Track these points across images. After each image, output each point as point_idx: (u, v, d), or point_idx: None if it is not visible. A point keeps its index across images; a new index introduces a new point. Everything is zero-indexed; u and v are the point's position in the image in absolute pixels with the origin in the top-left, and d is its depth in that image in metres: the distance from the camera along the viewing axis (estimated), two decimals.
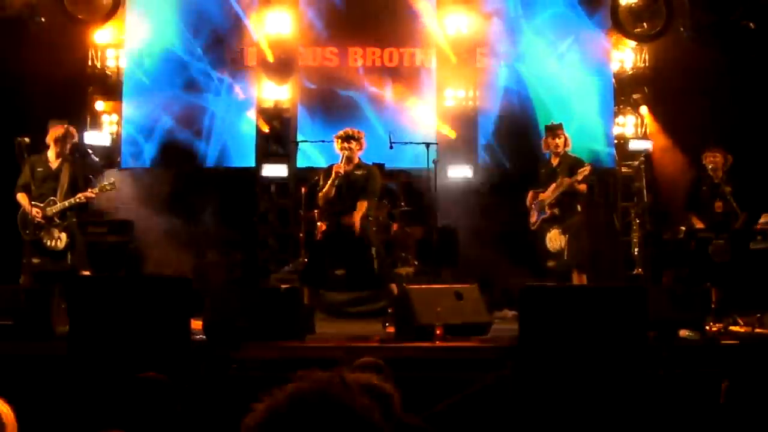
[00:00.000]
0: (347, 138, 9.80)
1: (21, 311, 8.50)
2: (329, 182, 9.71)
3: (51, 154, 10.15)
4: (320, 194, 9.90)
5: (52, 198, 9.99)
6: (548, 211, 10.30)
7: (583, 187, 10.29)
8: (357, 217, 9.66)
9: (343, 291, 11.21)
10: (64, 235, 10.01)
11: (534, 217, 10.53)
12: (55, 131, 10.18)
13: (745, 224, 10.19)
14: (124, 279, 9.88)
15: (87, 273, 10.07)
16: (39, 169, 10.09)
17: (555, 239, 10.27)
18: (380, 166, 12.14)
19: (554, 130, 10.74)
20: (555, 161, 10.59)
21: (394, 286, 9.77)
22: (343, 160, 9.75)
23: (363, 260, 9.71)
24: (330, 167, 9.93)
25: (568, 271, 10.28)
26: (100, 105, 13.74)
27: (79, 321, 7.47)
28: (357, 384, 2.42)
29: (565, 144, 10.60)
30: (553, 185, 10.36)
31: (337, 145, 9.89)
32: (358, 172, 9.85)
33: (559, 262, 10.29)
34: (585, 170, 10.24)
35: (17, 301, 8.59)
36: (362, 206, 9.76)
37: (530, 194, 10.65)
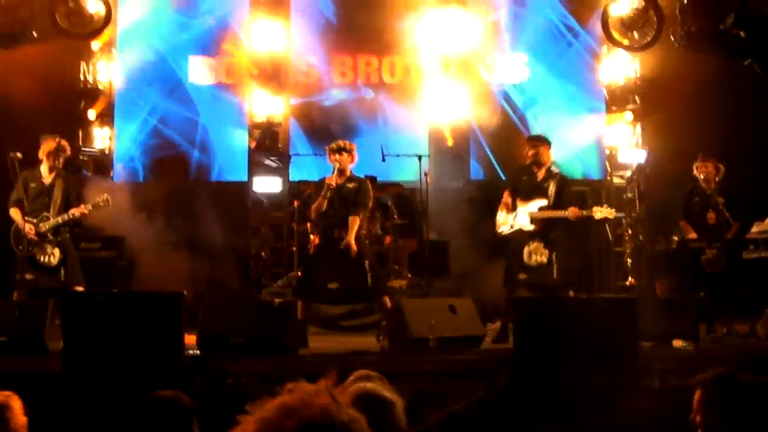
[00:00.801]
0: (339, 150, 9.78)
1: (14, 327, 8.48)
2: (321, 195, 9.70)
3: (44, 168, 10.11)
4: (312, 207, 9.87)
5: (45, 214, 9.95)
6: (532, 227, 10.06)
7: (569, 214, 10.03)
8: (351, 236, 9.59)
9: (336, 304, 11.14)
10: (57, 251, 9.97)
11: (504, 223, 10.20)
12: (47, 145, 10.15)
13: (738, 234, 10.20)
14: (117, 294, 9.85)
15: (81, 288, 10.02)
16: (32, 185, 10.04)
17: (537, 252, 9.98)
18: (372, 179, 12.15)
19: (529, 140, 10.53)
20: (540, 174, 10.15)
21: (387, 299, 9.74)
22: (335, 173, 9.76)
23: (356, 273, 9.68)
24: (322, 180, 9.91)
25: (543, 286, 9.98)
26: (92, 118, 13.75)
27: (73, 337, 7.46)
28: (352, 394, 2.42)
29: (538, 156, 10.11)
30: (539, 201, 10.05)
31: (328, 158, 9.89)
32: (350, 185, 9.83)
33: (532, 276, 9.92)
34: (579, 213, 9.95)
35: (11, 317, 8.57)
36: (354, 222, 9.67)
37: (506, 194, 10.26)
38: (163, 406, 4.72)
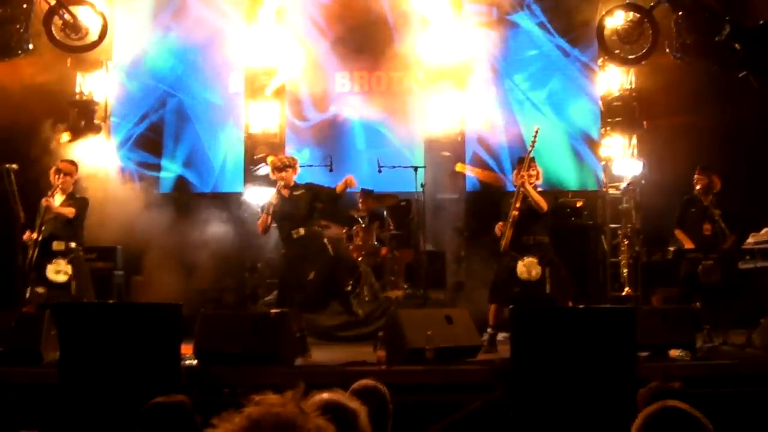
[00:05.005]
0: (283, 167, 9.88)
1: (11, 338, 8.47)
2: (264, 213, 9.84)
3: (58, 192, 10.25)
4: (258, 222, 10.01)
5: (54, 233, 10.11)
6: (513, 213, 9.96)
7: (540, 200, 10.02)
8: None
9: (315, 300, 10.81)
10: (69, 267, 10.03)
11: (504, 241, 10.18)
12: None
13: (734, 244, 10.21)
14: (114, 305, 9.84)
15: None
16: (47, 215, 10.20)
17: (531, 267, 9.88)
18: (369, 192, 12.17)
19: (530, 162, 10.47)
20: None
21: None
22: (279, 189, 9.81)
23: (328, 268, 9.73)
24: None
25: (535, 299, 9.89)
26: (88, 131, 13.76)
27: (69, 348, 7.43)
28: (316, 405, 2.42)
29: (538, 177, 10.25)
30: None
31: (272, 175, 9.96)
32: (297, 192, 9.92)
33: (525, 290, 9.78)
34: (535, 173, 10.06)
35: (7, 328, 8.55)
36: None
37: (500, 224, 10.23)
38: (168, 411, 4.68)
